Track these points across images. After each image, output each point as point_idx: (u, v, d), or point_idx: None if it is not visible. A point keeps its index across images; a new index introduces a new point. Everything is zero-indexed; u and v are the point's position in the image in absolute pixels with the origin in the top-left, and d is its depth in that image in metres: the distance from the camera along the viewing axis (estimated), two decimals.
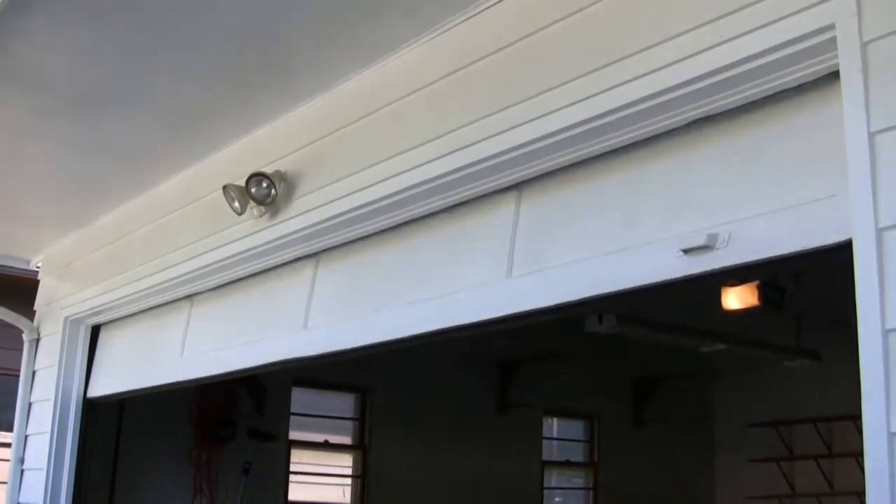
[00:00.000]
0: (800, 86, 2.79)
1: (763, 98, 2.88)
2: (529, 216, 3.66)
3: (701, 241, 2.92)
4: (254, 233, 4.72)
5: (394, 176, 3.93)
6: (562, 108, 3.28)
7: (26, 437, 6.86)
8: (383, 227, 4.22)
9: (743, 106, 2.94)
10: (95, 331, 6.67)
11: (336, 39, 4.02)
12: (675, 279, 3.04)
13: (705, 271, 2.93)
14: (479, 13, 3.74)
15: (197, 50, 4.13)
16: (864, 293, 2.41)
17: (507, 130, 3.48)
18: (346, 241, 4.44)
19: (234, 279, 5.22)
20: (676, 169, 3.16)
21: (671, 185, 3.17)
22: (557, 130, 3.30)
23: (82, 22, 3.89)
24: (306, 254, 4.67)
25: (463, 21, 3.80)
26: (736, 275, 3.00)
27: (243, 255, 4.86)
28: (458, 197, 3.85)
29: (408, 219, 4.11)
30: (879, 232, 2.41)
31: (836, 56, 2.61)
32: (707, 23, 2.88)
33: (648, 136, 3.19)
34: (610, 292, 3.27)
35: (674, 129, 3.12)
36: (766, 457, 10.00)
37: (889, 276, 2.38)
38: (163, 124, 4.88)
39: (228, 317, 5.32)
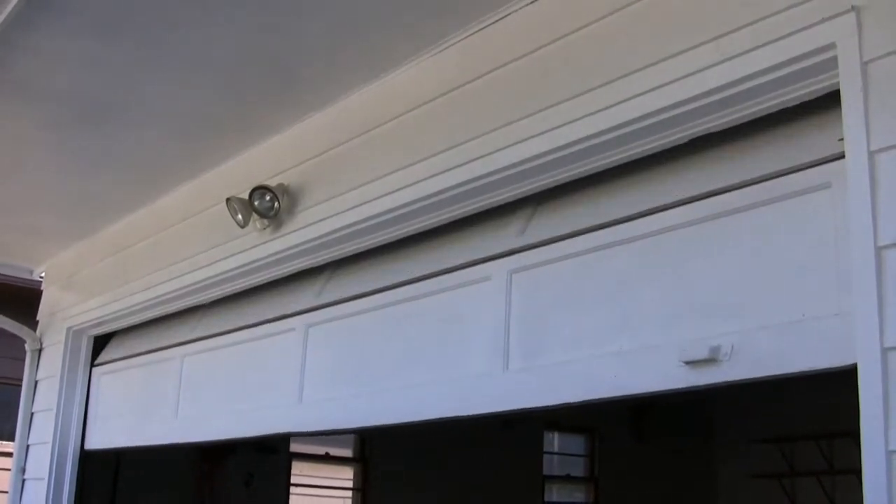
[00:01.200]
0: (804, 190, 2.78)
1: (766, 199, 2.87)
2: (522, 301, 3.60)
3: (703, 353, 2.86)
4: (257, 245, 4.73)
5: (396, 190, 3.95)
6: (564, 124, 3.29)
7: (28, 446, 6.86)
8: (385, 241, 4.24)
9: (744, 207, 2.93)
10: (99, 343, 6.67)
11: (340, 54, 4.04)
12: (678, 389, 2.97)
13: (709, 384, 2.87)
14: (480, 30, 3.76)
15: (201, 64, 4.15)
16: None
17: (510, 146, 3.49)
18: (337, 299, 4.47)
19: (224, 342, 5.23)
20: (676, 266, 3.12)
21: (671, 285, 3.12)
22: (561, 146, 3.32)
23: (87, 35, 3.91)
24: (311, 266, 4.69)
25: (465, 38, 3.82)
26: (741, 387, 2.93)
27: (246, 268, 4.87)
28: (460, 212, 3.86)
29: (398, 282, 4.14)
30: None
31: (836, 75, 2.63)
32: (710, 41, 2.90)
33: (651, 153, 3.20)
34: (609, 397, 3.22)
35: (672, 226, 3.12)
36: (768, 473, 9.98)
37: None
38: (167, 137, 4.89)
39: (221, 377, 5.28)
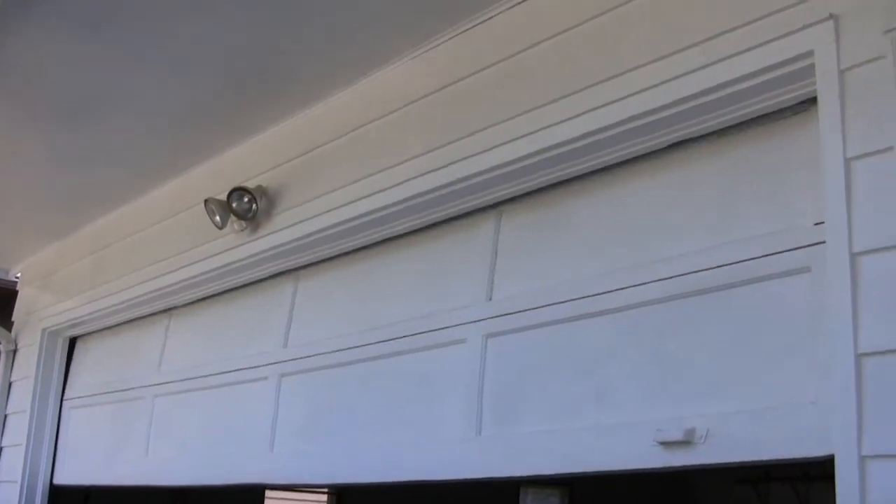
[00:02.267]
0: (784, 273, 2.73)
1: (746, 279, 2.83)
2: (497, 367, 3.53)
3: (678, 435, 2.80)
4: (234, 247, 4.71)
5: (376, 193, 3.93)
6: (547, 126, 3.29)
7: (1, 448, 6.81)
8: (364, 244, 4.23)
9: (724, 286, 2.88)
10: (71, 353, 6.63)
11: (323, 56, 4.02)
12: (651, 469, 2.91)
13: (683, 465, 2.81)
14: (464, 31, 3.76)
15: (184, 63, 4.13)
16: None
17: (492, 149, 3.49)
18: (311, 353, 4.41)
19: (195, 385, 5.16)
20: (653, 342, 3.04)
21: (648, 361, 3.04)
22: (541, 150, 3.32)
23: (70, 32, 3.89)
24: (286, 269, 4.67)
25: (448, 39, 3.83)
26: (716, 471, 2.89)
27: (224, 270, 4.85)
28: (440, 215, 3.85)
29: (375, 350, 4.06)
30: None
31: (814, 83, 2.64)
32: (690, 46, 2.91)
33: (632, 156, 3.20)
34: (582, 472, 3.15)
35: (652, 301, 3.06)
36: None
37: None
38: (147, 135, 4.87)
39: (192, 420, 5.18)
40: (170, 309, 5.60)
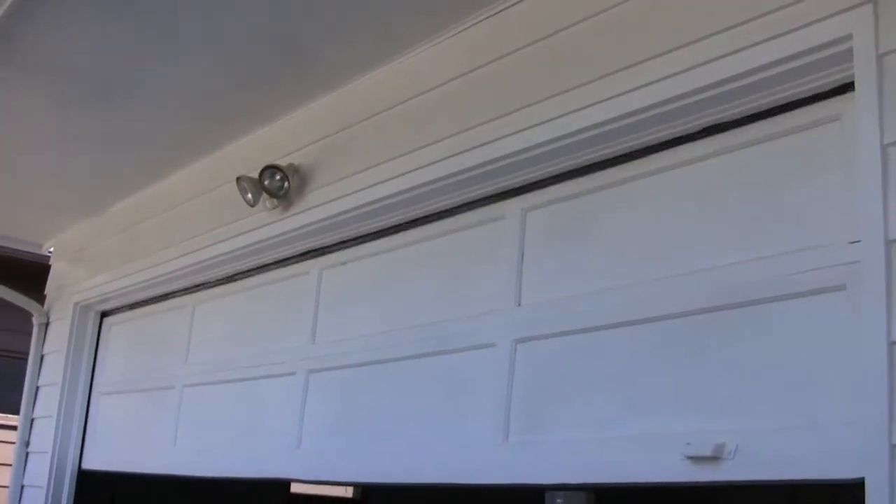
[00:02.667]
0: (819, 291, 2.67)
1: (782, 294, 2.76)
2: (526, 373, 3.50)
3: (707, 450, 2.76)
4: (266, 225, 4.74)
5: (406, 173, 3.95)
6: (572, 112, 3.29)
7: (32, 420, 6.89)
8: (393, 224, 4.25)
9: (764, 300, 2.82)
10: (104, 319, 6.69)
11: (353, 37, 4.04)
12: (679, 483, 2.87)
13: (711, 481, 2.79)
14: (493, 15, 3.76)
15: (214, 43, 4.15)
16: None
17: (519, 132, 3.49)
18: (335, 350, 4.41)
19: (222, 377, 5.19)
20: (687, 355, 3.00)
21: (680, 374, 3.00)
22: (569, 133, 3.31)
23: (101, 11, 3.91)
24: (314, 248, 4.69)
25: (478, 22, 3.82)
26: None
27: (255, 247, 4.88)
28: (467, 196, 3.86)
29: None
30: None
31: (851, 68, 2.62)
32: (724, 30, 2.88)
33: (659, 141, 3.19)
34: (610, 483, 3.12)
35: (684, 312, 3.01)
36: None
37: None
38: (179, 114, 4.90)
39: (220, 412, 5.20)
40: (198, 286, 5.64)
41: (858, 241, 2.53)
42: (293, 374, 4.62)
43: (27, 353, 7.13)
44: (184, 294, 5.80)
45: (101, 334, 6.66)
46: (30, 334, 7.15)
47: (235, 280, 5.32)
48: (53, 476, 6.36)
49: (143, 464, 5.76)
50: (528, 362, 3.50)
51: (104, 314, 6.70)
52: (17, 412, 7.22)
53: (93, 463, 6.37)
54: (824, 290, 2.66)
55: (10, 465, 6.96)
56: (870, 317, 2.44)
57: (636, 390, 3.10)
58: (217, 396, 5.26)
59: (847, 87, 2.68)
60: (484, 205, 3.84)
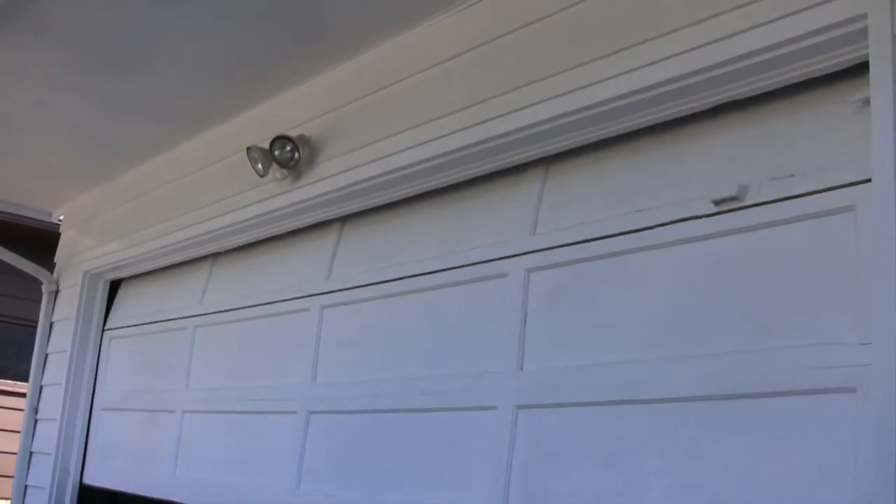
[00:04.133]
0: (826, 391, 2.60)
1: (786, 390, 2.69)
2: (527, 441, 3.43)
3: None
4: (276, 195, 4.74)
5: (418, 145, 3.94)
6: (589, 85, 3.27)
7: (41, 387, 6.94)
8: (406, 196, 4.24)
9: (768, 394, 2.75)
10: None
11: (367, 6, 4.02)
12: None
13: None
14: None
15: (226, 11, 4.14)
16: None
17: (534, 104, 3.47)
18: (336, 393, 4.38)
19: (223, 407, 5.18)
20: (687, 441, 2.93)
21: (679, 460, 2.94)
22: (584, 107, 3.30)
23: None
24: (329, 218, 4.69)
25: None
26: None
27: (265, 217, 4.88)
28: (482, 169, 3.84)
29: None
30: None
31: (866, 47, 2.60)
32: (738, 7, 2.87)
33: (672, 118, 3.18)
34: None
35: (687, 397, 2.94)
36: None
37: None
38: (189, 83, 4.89)
39: (220, 442, 5.18)
40: (214, 255, 5.62)
41: (870, 344, 2.47)
42: (294, 412, 4.58)
43: (36, 321, 7.16)
44: (184, 318, 5.78)
45: (102, 348, 6.64)
46: (39, 302, 7.18)
47: (238, 309, 5.32)
48: (62, 444, 6.41)
49: (143, 486, 5.78)
50: (530, 431, 3.44)
51: (113, 283, 6.72)
52: (26, 380, 7.27)
53: (94, 478, 6.38)
54: (832, 390, 2.59)
55: (19, 431, 7.01)
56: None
57: (635, 471, 3.05)
58: (218, 426, 5.22)
59: (862, 68, 2.67)
60: (486, 262, 3.81)
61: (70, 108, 5.33)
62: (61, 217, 7.43)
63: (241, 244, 5.35)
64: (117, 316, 6.62)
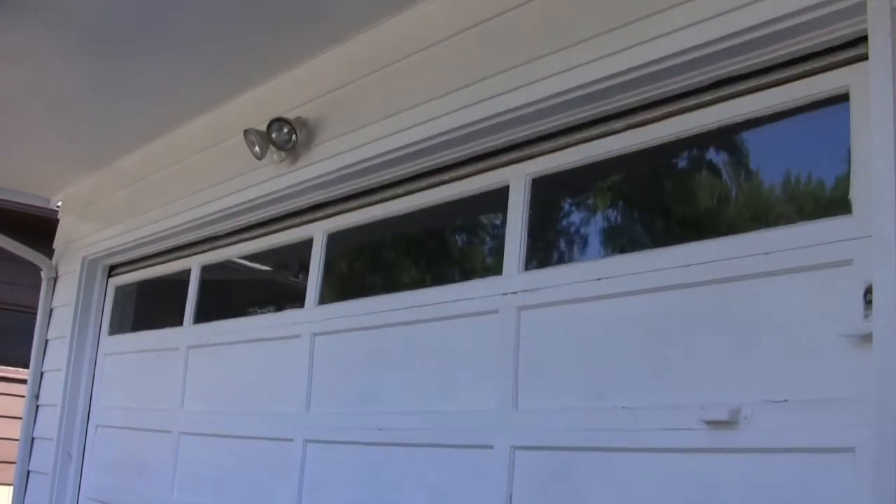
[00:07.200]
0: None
1: None
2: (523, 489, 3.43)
3: None
4: (273, 178, 4.73)
5: (415, 125, 3.93)
6: (589, 62, 3.27)
7: (42, 373, 6.94)
8: (402, 177, 4.22)
9: None
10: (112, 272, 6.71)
11: None
12: None
13: None
14: None
15: None
16: None
17: (527, 85, 3.47)
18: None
19: (218, 433, 5.13)
20: None
21: None
22: (582, 84, 3.30)
23: None
24: (326, 200, 4.68)
25: None
26: None
27: (262, 200, 4.88)
28: (480, 148, 3.83)
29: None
30: None
31: (864, 21, 2.60)
32: None
33: (671, 94, 3.17)
34: None
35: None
36: None
37: None
38: (186, 66, 4.87)
39: (218, 466, 5.11)
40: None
41: None
42: (291, 440, 4.55)
43: (36, 308, 7.16)
44: (177, 337, 5.75)
45: (98, 363, 6.59)
46: (38, 289, 7.18)
47: (231, 332, 5.30)
48: (63, 428, 6.42)
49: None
50: (525, 470, 3.43)
51: (111, 269, 6.72)
52: (26, 366, 7.27)
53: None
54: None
55: (21, 417, 7.02)
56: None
57: None
58: (214, 450, 5.18)
59: (860, 42, 2.66)
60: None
61: (66, 93, 5.31)
62: (59, 203, 7.41)
63: (240, 227, 5.34)
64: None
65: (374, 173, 4.28)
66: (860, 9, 2.61)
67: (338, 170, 4.35)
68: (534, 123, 3.58)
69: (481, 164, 3.91)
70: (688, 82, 3.11)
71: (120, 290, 6.67)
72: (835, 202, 2.81)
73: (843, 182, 2.75)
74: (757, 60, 2.93)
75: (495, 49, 3.69)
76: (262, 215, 5.08)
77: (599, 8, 3.31)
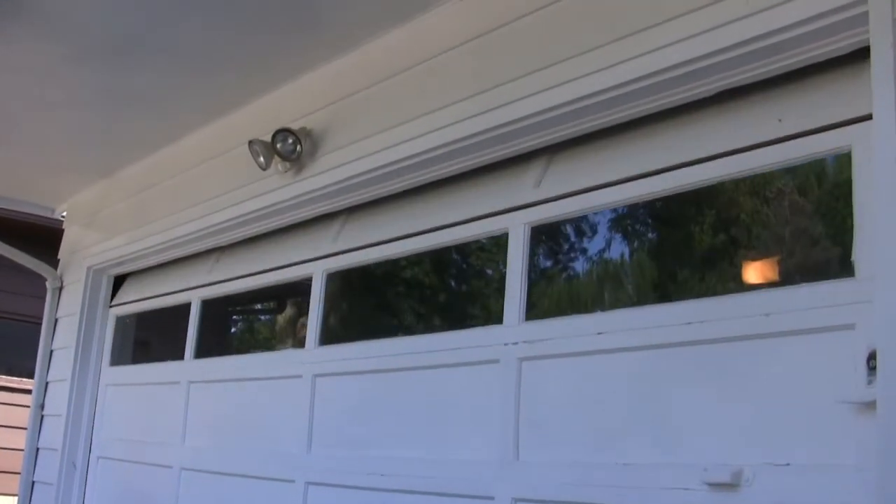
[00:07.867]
0: None
1: None
2: None
3: None
4: (278, 188, 4.74)
5: (421, 136, 3.94)
6: (593, 72, 3.27)
7: (47, 383, 6.95)
8: (407, 188, 4.24)
9: None
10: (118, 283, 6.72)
11: None
12: None
13: None
14: None
15: (228, 3, 4.13)
16: None
17: (538, 93, 3.47)
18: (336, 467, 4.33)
19: (219, 471, 5.12)
20: None
21: None
22: (589, 94, 3.30)
23: None
24: (332, 210, 4.69)
25: None
26: None
27: (267, 210, 4.89)
28: (486, 158, 3.84)
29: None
30: None
31: (866, 32, 2.61)
32: None
33: (673, 106, 3.18)
34: None
35: None
36: None
37: None
38: (191, 76, 4.88)
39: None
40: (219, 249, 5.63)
41: None
42: (292, 481, 4.53)
43: (40, 318, 7.17)
44: (177, 371, 5.75)
45: (99, 395, 6.58)
46: (43, 299, 7.18)
47: (232, 368, 5.31)
48: (68, 438, 6.42)
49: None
50: None
51: (117, 278, 6.73)
52: (30, 376, 7.28)
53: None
54: None
55: (26, 428, 7.02)
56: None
57: None
58: (216, 487, 5.16)
59: (863, 53, 2.67)
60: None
61: (71, 102, 5.32)
62: (64, 213, 7.43)
63: (245, 237, 5.34)
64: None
65: (379, 184, 4.28)
66: (862, 19, 2.61)
67: (343, 180, 4.35)
68: (539, 133, 3.59)
69: (480, 213, 3.93)
70: (691, 93, 3.12)
71: (121, 320, 6.68)
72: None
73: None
74: (759, 72, 2.93)
75: (500, 60, 3.69)
76: (268, 226, 5.09)
77: (606, 18, 3.31)
